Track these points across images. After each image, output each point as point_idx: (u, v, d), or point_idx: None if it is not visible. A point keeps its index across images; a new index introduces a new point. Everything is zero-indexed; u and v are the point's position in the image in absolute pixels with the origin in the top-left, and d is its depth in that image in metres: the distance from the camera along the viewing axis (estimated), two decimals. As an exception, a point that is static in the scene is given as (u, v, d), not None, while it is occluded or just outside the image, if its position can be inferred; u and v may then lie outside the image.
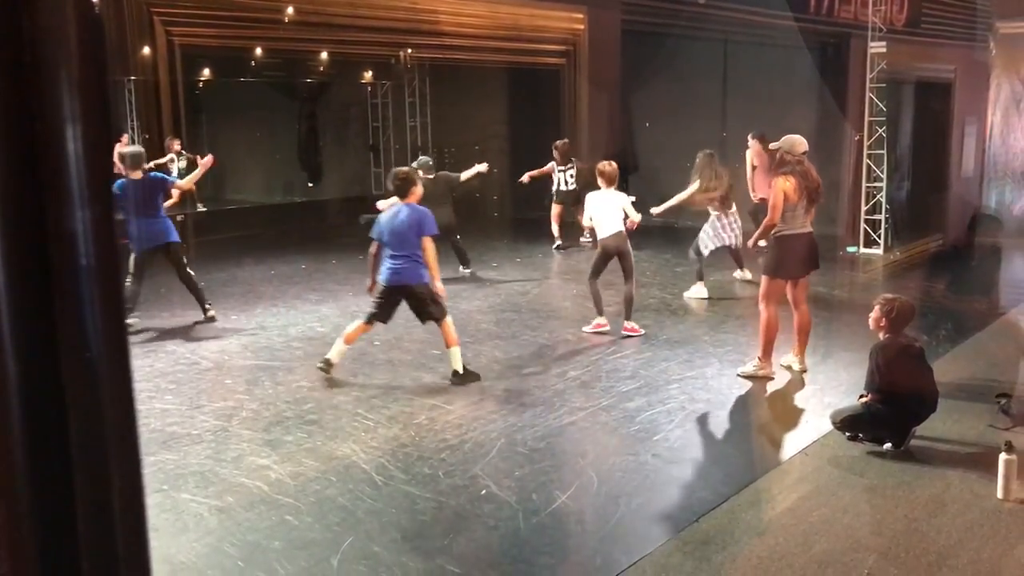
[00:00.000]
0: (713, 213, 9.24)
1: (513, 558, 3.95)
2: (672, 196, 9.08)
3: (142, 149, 8.60)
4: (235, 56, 15.14)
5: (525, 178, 12.21)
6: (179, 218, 11.35)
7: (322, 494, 4.50)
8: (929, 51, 14.03)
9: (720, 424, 5.67)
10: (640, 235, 7.58)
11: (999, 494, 4.41)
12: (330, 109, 17.79)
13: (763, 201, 9.66)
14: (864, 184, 11.92)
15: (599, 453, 5.15)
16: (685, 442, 5.26)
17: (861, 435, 5.11)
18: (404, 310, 6.36)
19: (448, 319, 6.28)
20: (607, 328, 7.56)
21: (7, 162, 0.81)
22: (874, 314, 5.23)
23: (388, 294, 6.23)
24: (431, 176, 9.74)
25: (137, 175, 7.83)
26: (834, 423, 5.20)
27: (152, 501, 4.24)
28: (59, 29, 0.83)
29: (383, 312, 6.30)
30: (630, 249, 7.45)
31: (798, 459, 5.04)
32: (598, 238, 7.41)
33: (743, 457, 5.12)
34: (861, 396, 5.24)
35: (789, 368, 6.51)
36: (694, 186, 9.21)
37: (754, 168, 10.01)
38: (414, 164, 10.40)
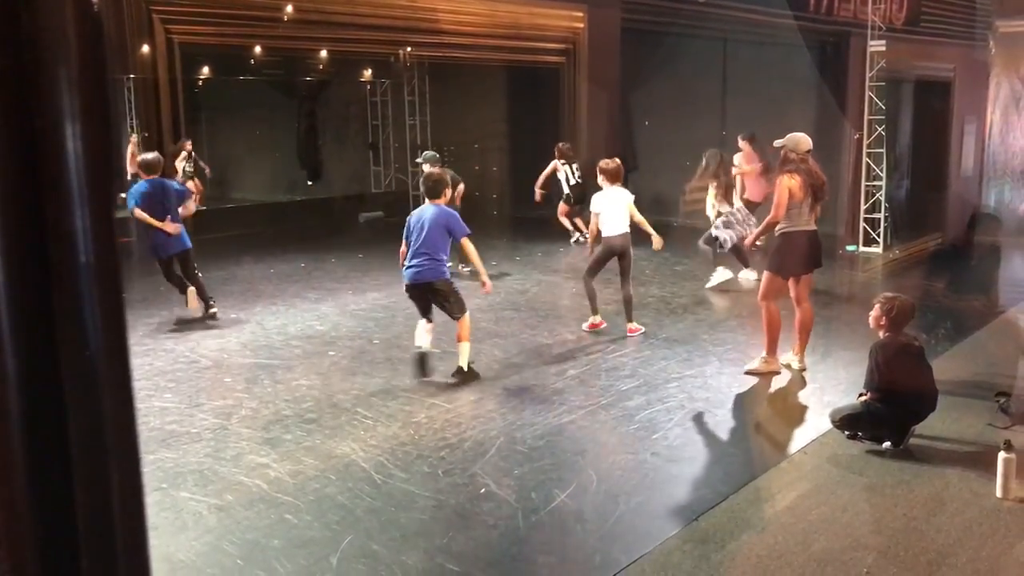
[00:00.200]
0: (724, 210, 9.28)
1: (512, 556, 3.95)
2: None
3: (160, 156, 8.63)
4: (234, 54, 15.12)
5: (538, 196, 12.24)
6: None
7: (321, 492, 4.50)
8: (929, 50, 14.02)
9: (719, 423, 5.67)
10: (637, 233, 7.56)
11: (998, 493, 4.42)
12: (329, 107, 17.78)
13: (749, 203, 9.71)
14: (863, 183, 11.93)
15: (598, 452, 5.15)
16: (684, 440, 5.26)
17: (860, 434, 5.11)
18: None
19: (466, 316, 6.36)
20: (603, 326, 7.57)
21: (7, 160, 0.81)
22: (874, 313, 5.23)
23: (413, 292, 6.36)
24: (431, 170, 9.75)
25: (154, 177, 7.93)
26: (833, 422, 5.20)
27: (151, 499, 4.24)
28: (58, 27, 0.83)
29: (421, 308, 6.41)
30: (631, 250, 7.47)
31: (797, 458, 5.04)
32: (604, 237, 7.39)
33: (742, 455, 5.12)
34: (860, 395, 5.24)
35: (788, 366, 6.52)
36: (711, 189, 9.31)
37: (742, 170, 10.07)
38: (419, 159, 10.40)
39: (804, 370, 6.48)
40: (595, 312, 7.61)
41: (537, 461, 4.90)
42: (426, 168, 8.68)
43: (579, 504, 4.39)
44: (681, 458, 5.01)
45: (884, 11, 11.98)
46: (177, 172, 12.40)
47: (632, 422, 5.52)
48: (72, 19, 0.84)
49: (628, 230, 7.38)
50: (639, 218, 7.41)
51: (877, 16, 11.74)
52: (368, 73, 17.02)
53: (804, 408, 5.94)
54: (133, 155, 8.06)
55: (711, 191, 9.88)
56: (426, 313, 6.39)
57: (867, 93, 11.79)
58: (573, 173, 12.09)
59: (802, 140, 6.26)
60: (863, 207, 11.90)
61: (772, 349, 6.42)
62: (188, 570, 3.78)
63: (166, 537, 3.99)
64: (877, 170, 11.83)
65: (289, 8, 12.17)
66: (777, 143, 6.36)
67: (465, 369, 6.29)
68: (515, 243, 12.78)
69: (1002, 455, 4.43)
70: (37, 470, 0.84)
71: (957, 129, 14.97)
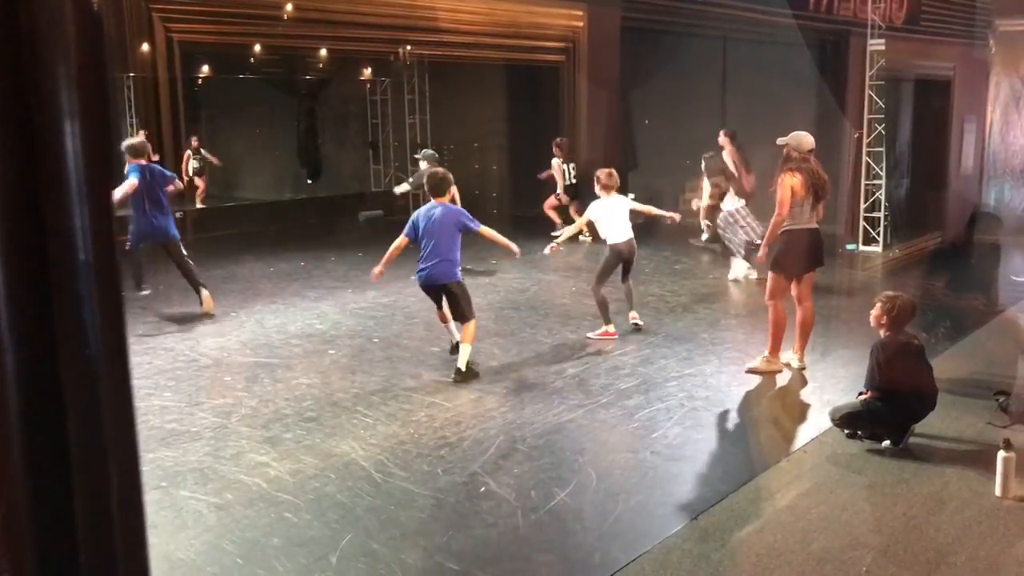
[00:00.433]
0: (725, 209, 9.29)
1: (512, 555, 3.95)
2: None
3: (145, 140, 8.66)
4: (234, 52, 15.10)
5: (561, 196, 12.30)
6: (178, 215, 11.33)
7: (321, 491, 4.50)
8: (928, 48, 14.03)
9: (719, 421, 5.67)
10: (637, 232, 7.57)
11: (997, 492, 4.42)
12: (329, 106, 17.76)
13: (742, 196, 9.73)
14: (863, 182, 11.93)
15: (598, 450, 5.15)
16: (684, 439, 5.26)
17: (860, 432, 5.11)
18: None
19: (474, 321, 6.43)
20: (615, 336, 7.34)
21: (6, 158, 0.81)
22: (875, 311, 5.22)
23: (427, 291, 6.47)
24: (434, 168, 9.76)
25: (142, 161, 7.90)
26: (833, 420, 5.20)
27: (151, 498, 4.24)
28: (58, 25, 0.83)
29: (435, 299, 6.52)
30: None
31: (797, 456, 5.04)
32: (610, 244, 7.36)
33: (742, 454, 5.12)
34: (860, 393, 5.24)
35: (788, 365, 6.52)
36: (706, 189, 9.32)
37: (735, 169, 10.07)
38: (418, 156, 10.40)
39: (804, 369, 6.48)
40: (607, 321, 7.36)
41: (537, 460, 4.90)
42: (423, 166, 8.68)
43: (579, 503, 4.39)
44: (681, 457, 5.01)
45: (884, 10, 11.98)
46: (187, 171, 12.44)
47: (632, 421, 5.52)
48: (71, 17, 0.84)
49: (632, 235, 7.39)
50: (647, 209, 7.49)
51: (877, 15, 11.73)
52: (368, 72, 17.00)
53: (804, 407, 5.94)
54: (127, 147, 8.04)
55: (706, 193, 9.92)
56: (440, 303, 6.51)
57: (867, 92, 11.79)
58: (570, 172, 12.13)
59: (804, 139, 6.25)
60: (863, 206, 11.90)
61: (775, 348, 6.42)
62: (187, 568, 3.78)
63: (165, 536, 3.99)
64: (877, 169, 11.83)
65: (289, 7, 12.16)
66: (780, 141, 6.34)
67: (463, 370, 6.29)
68: (515, 242, 12.72)
69: (1001, 454, 4.43)
70: (36, 468, 0.84)
71: (957, 128, 14.98)
